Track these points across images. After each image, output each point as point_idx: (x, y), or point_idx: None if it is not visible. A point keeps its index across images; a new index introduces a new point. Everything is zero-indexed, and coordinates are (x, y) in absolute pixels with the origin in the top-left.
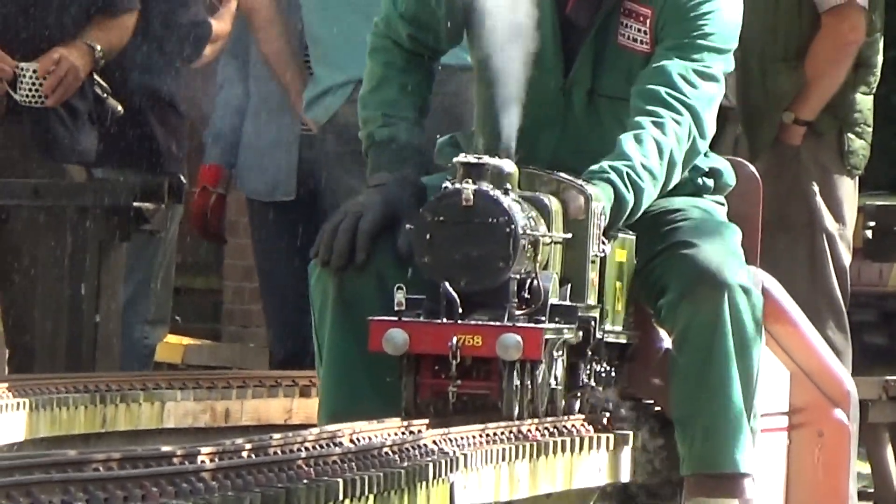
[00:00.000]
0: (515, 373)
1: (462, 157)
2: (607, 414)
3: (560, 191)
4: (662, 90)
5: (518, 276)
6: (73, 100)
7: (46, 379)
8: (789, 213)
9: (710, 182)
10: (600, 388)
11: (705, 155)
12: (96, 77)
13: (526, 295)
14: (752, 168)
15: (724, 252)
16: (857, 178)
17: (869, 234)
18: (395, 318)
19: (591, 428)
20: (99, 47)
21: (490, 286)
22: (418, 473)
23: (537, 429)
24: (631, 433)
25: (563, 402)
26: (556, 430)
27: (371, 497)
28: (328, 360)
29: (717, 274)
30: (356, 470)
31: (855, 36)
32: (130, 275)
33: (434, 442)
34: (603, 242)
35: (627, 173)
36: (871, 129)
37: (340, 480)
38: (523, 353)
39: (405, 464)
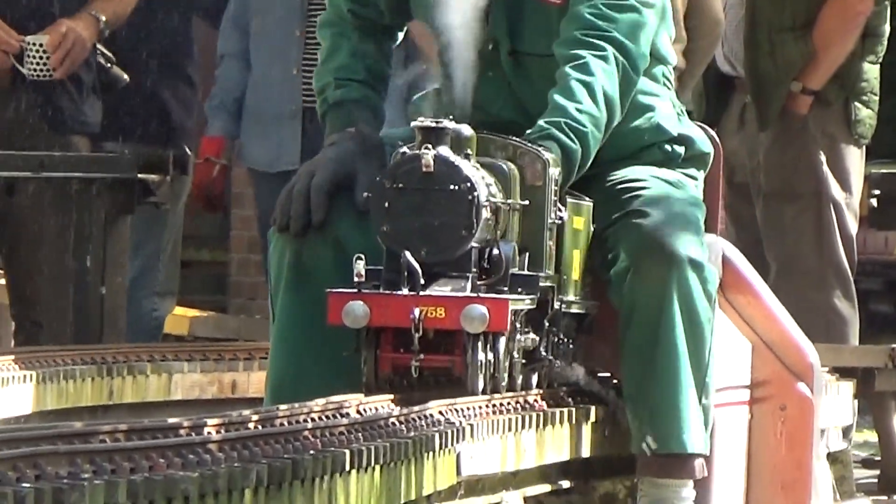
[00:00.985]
0: (479, 346)
1: (420, 121)
2: (565, 389)
3: (516, 156)
4: (577, 33)
5: (479, 246)
6: (77, 70)
7: (53, 351)
8: (796, 182)
9: (679, 149)
10: (558, 362)
11: (679, 120)
12: (100, 47)
13: (485, 265)
14: (713, 132)
15: (677, 223)
16: (863, 147)
17: (874, 202)
18: (355, 290)
19: (552, 403)
20: (104, 17)
21: (452, 256)
22: (425, 444)
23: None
24: (593, 408)
25: (521, 377)
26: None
27: (377, 468)
28: (278, 329)
29: (666, 247)
30: (363, 441)
31: (864, 6)
32: (139, 248)
33: (440, 412)
34: (559, 209)
35: (566, 123)
36: (877, 99)
37: (347, 451)
38: (489, 325)
39: (411, 434)
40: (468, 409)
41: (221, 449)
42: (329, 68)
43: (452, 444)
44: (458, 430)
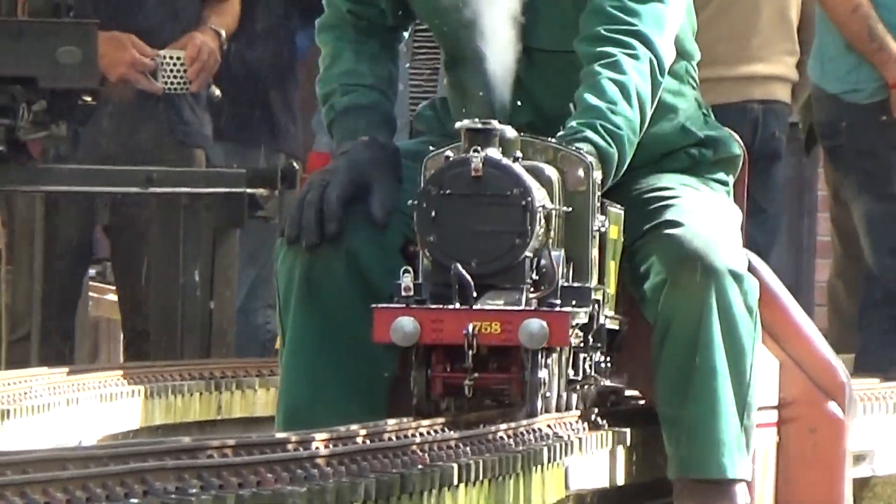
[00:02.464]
0: (539, 363)
1: (466, 123)
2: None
3: (557, 159)
4: (601, 28)
5: (532, 255)
6: None
7: (161, 366)
8: None
9: (707, 153)
10: (603, 381)
11: (705, 122)
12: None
13: (535, 276)
14: (737, 137)
15: (714, 233)
16: None
17: None
18: (404, 305)
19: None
20: (223, 31)
21: (504, 266)
22: (533, 458)
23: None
24: (628, 431)
25: (565, 396)
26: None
27: (486, 482)
28: (290, 349)
29: (704, 258)
30: (471, 455)
31: None
32: (252, 261)
33: (549, 426)
34: (601, 216)
35: (602, 125)
36: None
37: (455, 465)
38: (549, 341)
39: (520, 448)
40: (576, 422)
41: (329, 463)
42: (333, 74)
43: (560, 458)
44: (566, 444)
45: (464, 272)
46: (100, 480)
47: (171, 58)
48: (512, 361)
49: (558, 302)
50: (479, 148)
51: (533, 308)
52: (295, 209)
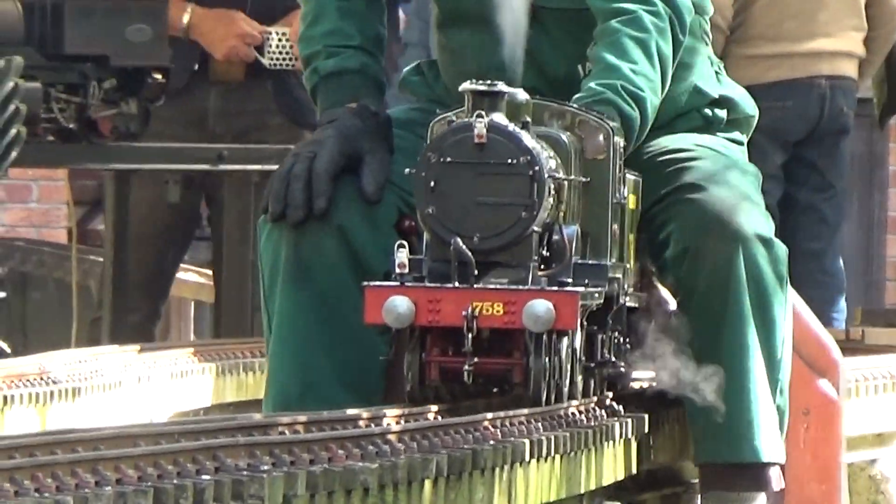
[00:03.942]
0: (543, 347)
1: (470, 84)
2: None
3: (574, 125)
4: None
5: (540, 230)
6: None
7: (232, 344)
8: None
9: (721, 113)
10: (623, 366)
11: (717, 80)
12: None
13: (544, 252)
14: (749, 96)
15: (738, 196)
16: None
17: None
18: (398, 284)
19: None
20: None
21: (509, 241)
22: (605, 433)
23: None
24: (646, 417)
25: (582, 382)
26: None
27: (557, 457)
28: (278, 334)
29: (729, 222)
30: (542, 430)
31: None
32: None
33: (618, 401)
34: (622, 187)
35: (622, 86)
36: None
37: (527, 441)
38: (555, 324)
39: (592, 424)
40: None
41: (401, 440)
42: (316, 34)
43: (631, 434)
44: (637, 420)
45: (464, 247)
46: (171, 457)
47: (277, 34)
48: (515, 345)
49: (569, 281)
50: (483, 112)
51: (539, 288)
52: (279, 183)
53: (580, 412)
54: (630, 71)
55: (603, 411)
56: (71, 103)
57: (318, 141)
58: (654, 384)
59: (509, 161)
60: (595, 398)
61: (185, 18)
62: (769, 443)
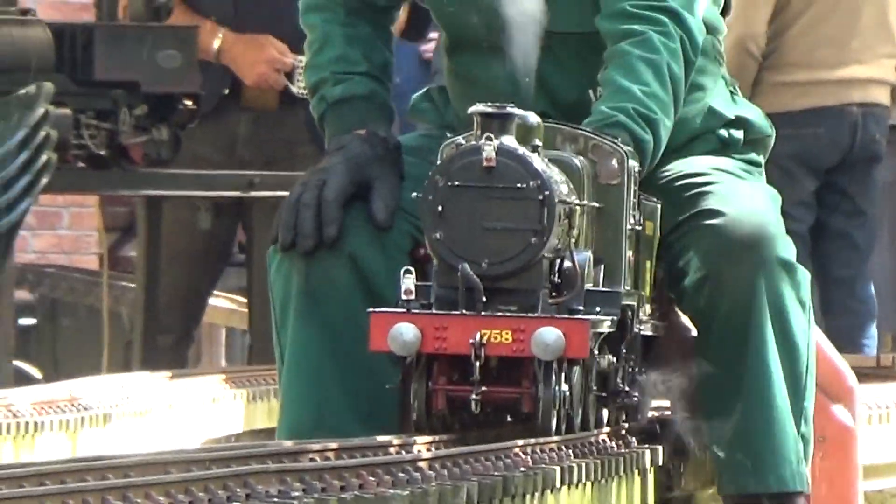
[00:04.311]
0: (553, 376)
1: (480, 107)
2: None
3: (587, 149)
4: (626, 4)
5: (550, 256)
6: None
7: (263, 370)
8: None
9: (737, 134)
10: (636, 396)
11: (732, 100)
12: None
13: (556, 279)
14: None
15: (758, 220)
16: None
17: None
18: (404, 310)
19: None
20: None
21: (518, 267)
22: (635, 461)
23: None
24: (660, 448)
25: (595, 413)
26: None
27: (588, 484)
28: (291, 364)
29: (750, 248)
30: (573, 457)
31: None
32: None
33: (647, 429)
34: (636, 212)
35: (635, 109)
36: None
37: (558, 468)
38: (565, 352)
39: (623, 451)
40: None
41: (431, 466)
42: (322, 61)
43: (652, 465)
44: (652, 452)
45: (472, 274)
46: (202, 484)
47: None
48: (524, 374)
49: (581, 308)
50: (492, 135)
51: (548, 315)
52: (288, 212)
53: (607, 440)
54: (641, 93)
55: (616, 442)
56: (101, 129)
57: (326, 168)
58: (673, 413)
59: (519, 185)
60: (608, 429)
61: (216, 43)
62: (795, 472)
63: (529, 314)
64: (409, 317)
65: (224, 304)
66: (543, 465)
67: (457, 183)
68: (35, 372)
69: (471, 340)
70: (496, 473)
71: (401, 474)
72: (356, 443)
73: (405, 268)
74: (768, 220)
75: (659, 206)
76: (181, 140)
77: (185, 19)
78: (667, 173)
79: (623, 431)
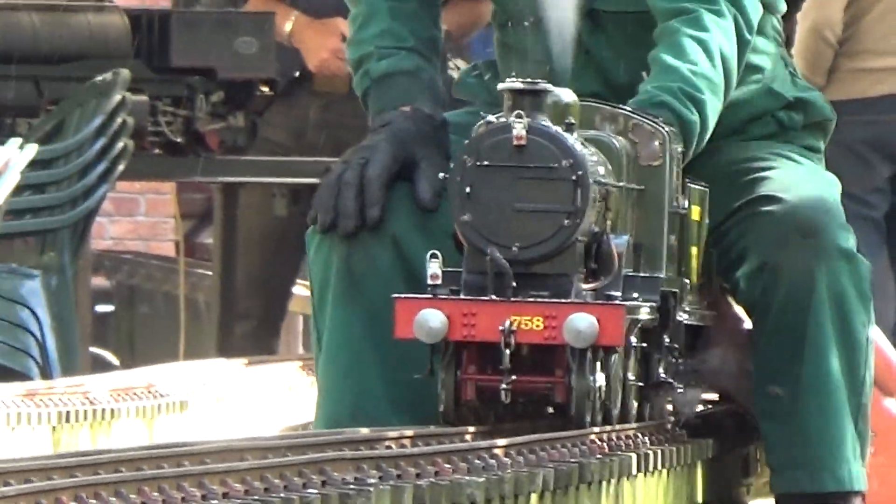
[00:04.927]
0: (587, 365)
1: (510, 82)
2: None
3: (628, 129)
4: None
5: (585, 239)
6: None
7: None
8: None
9: (797, 117)
10: (681, 388)
11: (793, 82)
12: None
13: (592, 264)
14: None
15: (818, 208)
16: None
17: None
18: (430, 296)
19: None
20: (444, 27)
21: (551, 251)
22: (710, 448)
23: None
24: (710, 442)
25: (636, 404)
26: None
27: (665, 471)
28: (330, 351)
29: (809, 236)
30: (649, 444)
31: None
32: None
33: (729, 415)
34: (680, 196)
35: (681, 88)
36: None
37: (634, 455)
38: (598, 339)
39: (697, 438)
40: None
41: (507, 454)
42: (367, 36)
43: (738, 448)
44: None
45: (501, 258)
46: (278, 471)
47: None
48: (557, 363)
49: (618, 294)
50: (522, 112)
51: (581, 301)
52: (329, 191)
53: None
54: (689, 72)
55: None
56: (178, 116)
57: (369, 146)
58: (724, 407)
59: (551, 165)
60: (652, 422)
61: (288, 26)
62: (852, 471)
63: (561, 300)
64: (435, 302)
65: (302, 291)
66: (620, 452)
67: (486, 163)
68: (112, 359)
69: (500, 327)
70: (572, 460)
71: (476, 461)
72: (432, 430)
73: (431, 252)
74: (828, 207)
75: (707, 190)
76: (258, 127)
77: (261, 5)
78: (724, 158)
79: (668, 426)
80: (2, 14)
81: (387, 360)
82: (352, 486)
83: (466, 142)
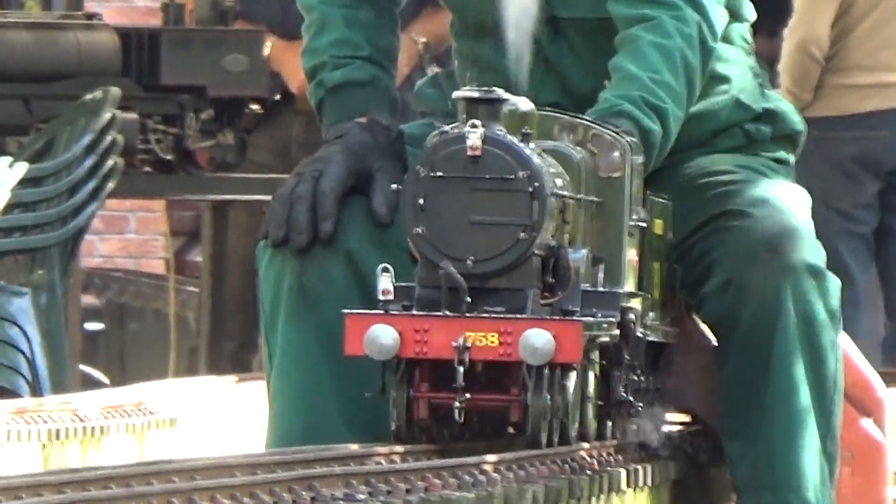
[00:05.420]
0: (544, 383)
1: (465, 91)
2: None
3: (587, 139)
4: None
5: (542, 253)
6: None
7: None
8: None
9: (766, 129)
10: (641, 406)
11: (761, 93)
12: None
13: (549, 278)
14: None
15: (786, 223)
16: None
17: None
18: (381, 312)
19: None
20: (423, 40)
21: (506, 265)
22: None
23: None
24: (672, 464)
25: (595, 423)
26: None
27: (654, 487)
28: (280, 371)
29: (777, 252)
30: (638, 460)
31: None
32: None
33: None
34: (640, 209)
35: (641, 97)
36: None
37: (623, 471)
38: (555, 356)
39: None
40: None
41: (497, 469)
42: (321, 45)
43: (723, 467)
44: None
45: (455, 272)
46: (267, 487)
47: None
48: (513, 380)
49: (576, 310)
50: (478, 122)
51: (537, 317)
52: (280, 205)
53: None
54: (650, 81)
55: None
56: (168, 134)
57: (323, 158)
58: (688, 427)
59: (507, 176)
60: (610, 442)
61: (265, 51)
62: (818, 493)
63: (517, 315)
64: (387, 318)
65: None
66: (609, 468)
67: (440, 174)
68: (102, 376)
69: (454, 344)
70: (562, 476)
71: (466, 477)
72: (422, 446)
73: (382, 265)
74: (796, 222)
75: (671, 204)
76: (247, 144)
77: (244, 27)
78: (689, 170)
79: (629, 446)
80: None
81: (341, 378)
82: (341, 502)
83: (420, 151)
